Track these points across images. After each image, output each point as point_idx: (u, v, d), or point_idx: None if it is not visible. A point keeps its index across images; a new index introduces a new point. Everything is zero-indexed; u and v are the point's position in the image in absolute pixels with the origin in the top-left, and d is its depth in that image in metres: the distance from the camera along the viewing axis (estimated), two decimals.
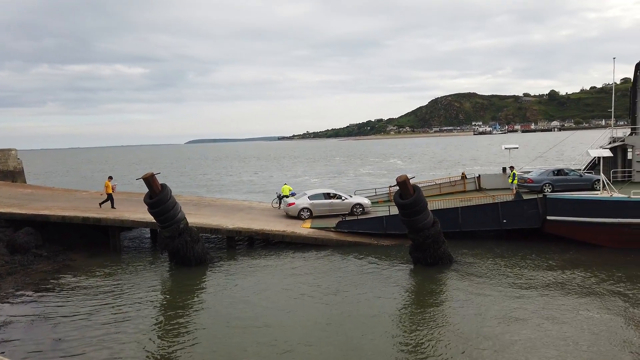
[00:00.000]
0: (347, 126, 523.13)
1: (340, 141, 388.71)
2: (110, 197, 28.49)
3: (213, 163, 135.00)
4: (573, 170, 30.60)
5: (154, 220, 23.04)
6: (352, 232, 26.44)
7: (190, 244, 22.44)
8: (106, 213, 26.82)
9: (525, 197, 26.91)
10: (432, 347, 13.79)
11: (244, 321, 15.92)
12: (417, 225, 21.16)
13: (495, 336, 14.21)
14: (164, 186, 22.40)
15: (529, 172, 32.66)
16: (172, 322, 16.31)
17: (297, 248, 25.19)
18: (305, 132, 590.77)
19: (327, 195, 29.45)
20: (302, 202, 29.04)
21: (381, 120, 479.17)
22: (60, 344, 14.50)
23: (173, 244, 22.29)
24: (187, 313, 17.27)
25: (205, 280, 20.95)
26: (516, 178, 28.68)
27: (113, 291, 19.32)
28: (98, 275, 21.60)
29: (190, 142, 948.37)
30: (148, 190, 22.16)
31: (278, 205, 32.50)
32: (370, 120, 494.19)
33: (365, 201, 29.42)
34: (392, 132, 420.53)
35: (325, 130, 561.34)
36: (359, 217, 27.21)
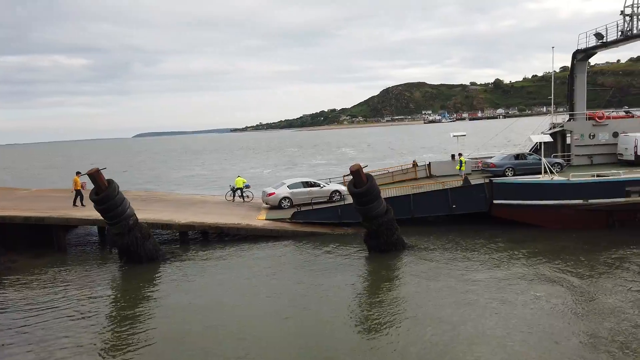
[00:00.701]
0: (301, 117, 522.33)
1: (294, 132, 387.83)
2: (78, 194, 27.30)
3: (163, 157, 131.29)
4: (532, 155, 31.87)
5: (102, 218, 22.17)
6: (308, 222, 26.51)
7: (141, 240, 21.78)
8: (50, 212, 25.51)
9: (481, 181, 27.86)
10: (391, 333, 14.08)
11: (199, 318, 15.62)
12: (370, 213, 21.49)
13: (450, 319, 14.69)
14: (110, 182, 21.57)
15: (491, 157, 33.90)
16: (124, 323, 15.82)
17: (252, 241, 24.99)
18: (259, 123, 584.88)
19: (306, 184, 29.51)
20: (282, 191, 28.88)
21: (334, 110, 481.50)
22: (3, 349, 13.74)
23: (122, 241, 21.56)
24: (139, 312, 16.79)
25: (157, 278, 20.40)
26: (464, 165, 29.59)
27: (58, 293, 18.46)
28: (42, 277, 20.55)
29: (138, 135, 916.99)
30: (94, 186, 21.29)
31: (232, 198, 32.07)
32: (323, 111, 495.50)
33: (342, 188, 29.53)
34: (345, 122, 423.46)
35: (279, 122, 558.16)
36: (314, 207, 27.30)
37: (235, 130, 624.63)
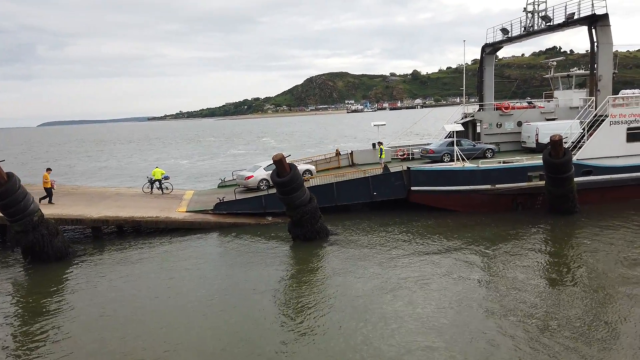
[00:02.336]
0: (224, 105, 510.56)
1: (217, 121, 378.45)
2: (49, 192, 25.78)
3: (71, 147, 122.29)
4: (467, 141, 33.76)
5: (1, 214, 20.25)
6: (232, 213, 26.05)
7: (48, 237, 20.19)
8: None
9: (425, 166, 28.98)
10: (314, 323, 14.20)
11: (114, 324, 14.71)
12: (294, 202, 21.55)
13: (375, 306, 15.15)
14: (10, 175, 19.74)
15: (429, 143, 35.46)
16: (31, 328, 14.60)
17: (173, 234, 24.12)
18: (179, 111, 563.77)
19: None
20: (260, 174, 29.19)
21: (258, 99, 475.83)
22: None
23: (27, 239, 19.88)
24: (48, 316, 15.56)
25: (68, 277, 19.05)
26: (384, 153, 30.53)
27: None
28: None
29: (44, 124, 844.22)
30: None
31: (150, 190, 30.67)
32: (247, 99, 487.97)
33: (312, 168, 31.22)
34: (269, 111, 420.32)
35: (200, 110, 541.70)
36: (238, 198, 26.85)
37: (154, 118, 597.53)
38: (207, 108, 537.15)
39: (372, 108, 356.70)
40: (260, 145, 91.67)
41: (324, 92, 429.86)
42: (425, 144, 36.82)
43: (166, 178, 31.17)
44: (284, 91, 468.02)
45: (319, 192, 24.80)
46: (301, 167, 30.39)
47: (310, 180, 27.70)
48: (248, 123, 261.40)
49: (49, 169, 27.00)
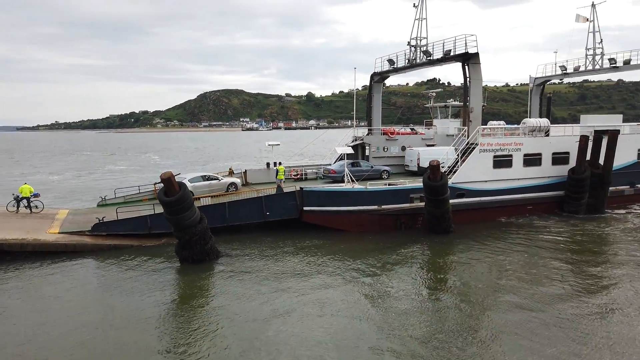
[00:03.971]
0: (107, 117, 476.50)
1: (99, 133, 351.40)
2: None
3: None
4: (365, 162, 35.37)
5: None
6: (112, 234, 24.18)
7: None
8: None
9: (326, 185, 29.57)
10: (201, 352, 13.60)
11: None
12: (183, 222, 20.66)
13: (263, 332, 14.91)
14: None
15: (329, 164, 36.46)
16: None
17: (43, 258, 21.70)
18: (55, 121, 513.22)
19: (205, 177, 31.21)
20: None
21: (147, 112, 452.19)
22: None
23: None
24: None
25: None
26: (281, 173, 30.61)
27: None
28: None
29: None
30: None
31: (16, 208, 27.37)
32: (134, 112, 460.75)
33: (238, 181, 32.19)
34: (159, 126, 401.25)
35: (80, 121, 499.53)
36: (119, 218, 25.01)
37: (24, 128, 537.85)
38: (89, 119, 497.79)
39: (267, 127, 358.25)
40: (143, 162, 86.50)
41: (219, 108, 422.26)
42: (319, 165, 37.75)
43: (36, 195, 28.08)
44: (176, 105, 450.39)
45: (209, 212, 24.10)
46: (226, 180, 31.63)
47: (201, 199, 26.84)
48: (134, 137, 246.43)
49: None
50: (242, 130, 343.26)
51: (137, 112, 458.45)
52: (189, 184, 29.09)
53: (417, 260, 22.48)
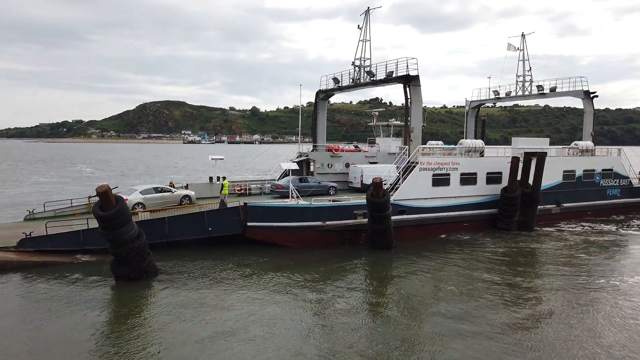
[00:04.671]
0: (37, 125, 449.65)
1: (27, 142, 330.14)
2: None
3: None
4: (313, 178, 35.54)
5: None
6: (41, 250, 22.66)
7: None
8: None
9: (275, 200, 29.30)
10: None
11: None
12: (120, 238, 19.75)
13: (208, 353, 14.43)
14: None
15: (274, 180, 36.57)
16: None
17: None
18: None
19: (158, 190, 30.65)
20: (135, 197, 29.03)
21: (81, 121, 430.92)
22: None
23: None
24: None
25: None
26: (226, 188, 30.11)
27: None
28: None
29: None
30: None
31: None
32: (67, 121, 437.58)
33: (192, 193, 31.90)
34: (94, 136, 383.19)
35: (7, 129, 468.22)
36: (49, 233, 23.50)
37: None
38: (16, 127, 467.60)
39: (210, 140, 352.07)
40: (74, 174, 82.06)
41: (159, 120, 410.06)
42: (263, 180, 37.57)
43: None
44: (113, 115, 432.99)
45: (148, 227, 23.25)
46: (180, 192, 31.14)
47: (140, 213, 25.83)
48: (65, 147, 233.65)
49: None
50: (184, 142, 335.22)
51: (71, 121, 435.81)
52: (140, 196, 29.23)
53: (361, 277, 22.75)
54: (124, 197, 28.45)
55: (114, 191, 20.24)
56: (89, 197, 30.29)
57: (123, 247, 19.93)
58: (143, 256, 20.60)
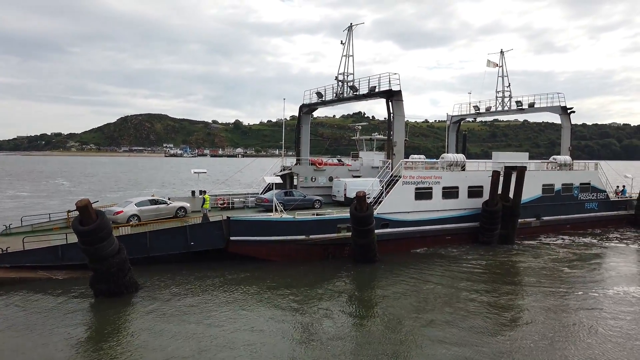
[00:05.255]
0: (15, 138, 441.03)
1: (5, 155, 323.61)
2: None
3: None
4: (298, 192, 35.65)
5: None
6: (18, 266, 22.09)
7: None
8: None
9: (259, 214, 29.24)
10: None
11: None
12: (100, 253, 19.38)
13: None
14: None
15: (258, 193, 36.55)
16: None
17: None
18: None
19: (153, 202, 30.41)
20: (130, 209, 29.04)
21: (60, 134, 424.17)
22: None
23: None
24: None
25: None
26: (207, 202, 29.90)
27: None
28: None
29: None
30: None
31: None
32: (45, 134, 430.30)
33: (187, 205, 31.86)
34: (73, 149, 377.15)
35: None
36: (26, 249, 22.94)
37: None
38: None
39: (192, 153, 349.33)
40: (51, 187, 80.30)
41: (140, 133, 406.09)
42: (246, 194, 37.44)
43: None
44: (93, 128, 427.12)
45: (129, 242, 22.91)
46: (175, 204, 31.06)
47: (121, 228, 25.42)
48: (44, 160, 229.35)
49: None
50: (165, 156, 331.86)
51: (50, 134, 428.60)
52: (135, 208, 29.28)
53: (345, 291, 22.68)
54: (119, 209, 29.16)
55: (94, 205, 19.93)
56: (68, 211, 29.70)
57: (103, 263, 19.56)
58: (124, 272, 20.23)
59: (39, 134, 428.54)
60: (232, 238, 26.20)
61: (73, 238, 21.50)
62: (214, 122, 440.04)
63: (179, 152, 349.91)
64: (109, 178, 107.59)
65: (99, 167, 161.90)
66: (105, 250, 19.46)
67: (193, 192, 36.36)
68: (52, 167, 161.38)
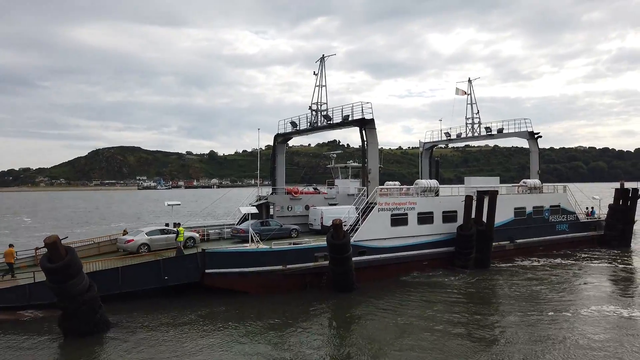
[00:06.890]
0: None
1: None
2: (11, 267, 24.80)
3: None
4: (274, 221, 35.52)
5: None
6: None
7: None
8: None
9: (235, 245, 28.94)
10: None
11: None
12: (69, 291, 18.70)
13: None
14: None
15: (233, 224, 36.00)
16: None
17: None
18: None
19: (163, 231, 30.97)
20: (141, 238, 29.72)
21: (29, 169, 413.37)
22: None
23: None
24: None
25: None
26: (181, 235, 29.38)
27: None
28: None
29: None
30: None
31: None
32: (13, 169, 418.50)
33: (196, 235, 32.21)
34: (42, 184, 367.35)
35: None
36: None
37: None
38: None
39: (166, 185, 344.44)
40: (11, 224, 77.01)
41: (112, 166, 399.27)
42: (222, 225, 36.94)
43: None
44: (63, 163, 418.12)
45: (100, 278, 22.23)
46: (186, 234, 30.83)
47: (91, 264, 24.65)
48: (10, 196, 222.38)
49: (11, 245, 26.25)
50: (139, 188, 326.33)
51: (18, 169, 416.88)
52: (145, 237, 29.99)
53: (324, 320, 22.38)
54: (130, 237, 30.06)
55: (64, 241, 19.32)
56: (36, 248, 28.70)
57: (72, 301, 18.87)
58: (94, 309, 19.52)
59: (6, 170, 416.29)
60: (207, 271, 25.64)
61: (41, 276, 20.72)
62: (189, 153, 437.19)
63: (153, 184, 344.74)
64: (79, 212, 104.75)
65: (67, 202, 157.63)
66: (75, 287, 18.80)
67: (167, 225, 35.71)
68: (16, 203, 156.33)
